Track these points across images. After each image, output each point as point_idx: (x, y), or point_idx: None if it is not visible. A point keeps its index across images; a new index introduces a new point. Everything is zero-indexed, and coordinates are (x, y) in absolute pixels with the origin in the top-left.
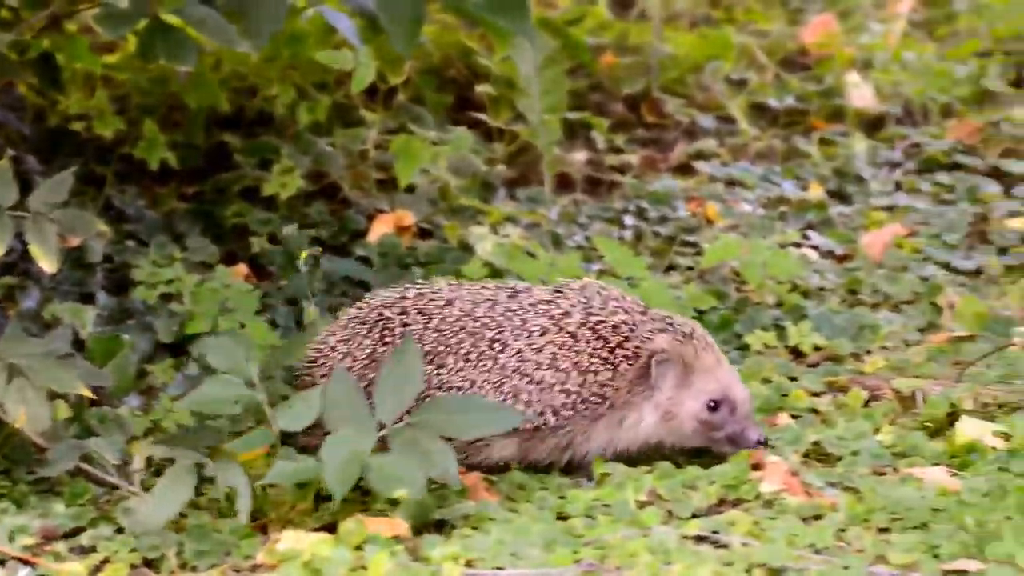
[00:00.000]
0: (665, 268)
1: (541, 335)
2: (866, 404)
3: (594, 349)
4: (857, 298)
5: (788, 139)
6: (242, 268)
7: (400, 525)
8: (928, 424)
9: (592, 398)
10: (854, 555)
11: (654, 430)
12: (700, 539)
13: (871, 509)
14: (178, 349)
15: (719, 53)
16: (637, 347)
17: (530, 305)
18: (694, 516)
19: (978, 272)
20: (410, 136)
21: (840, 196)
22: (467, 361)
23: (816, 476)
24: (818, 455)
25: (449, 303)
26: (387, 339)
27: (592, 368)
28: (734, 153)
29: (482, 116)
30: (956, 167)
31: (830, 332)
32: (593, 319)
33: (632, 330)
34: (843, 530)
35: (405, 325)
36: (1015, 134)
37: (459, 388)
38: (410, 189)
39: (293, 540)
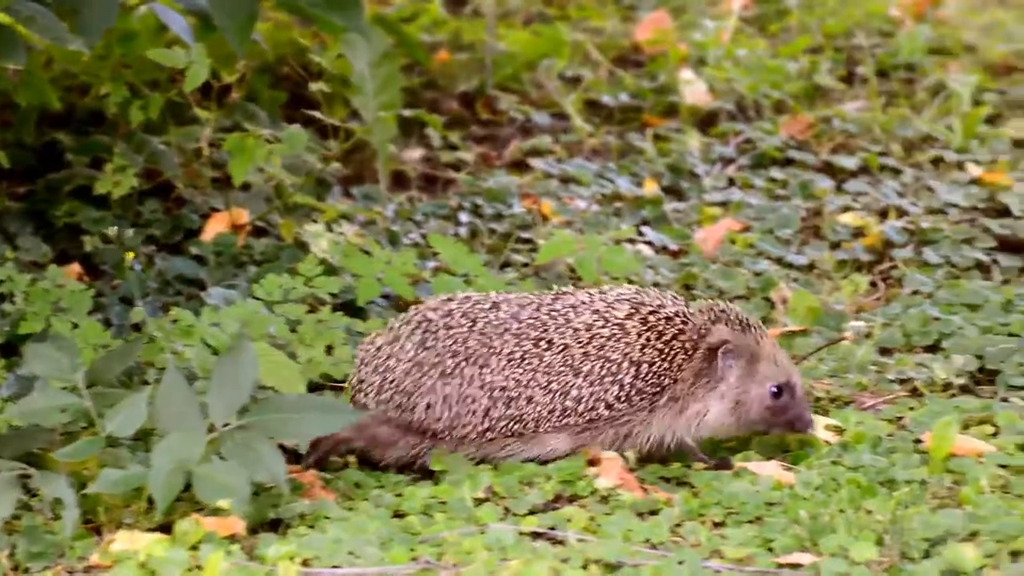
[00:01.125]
0: (500, 265)
1: (587, 329)
2: None
3: (647, 340)
4: (692, 293)
5: (622, 136)
6: (75, 268)
7: (236, 524)
8: None
9: (647, 389)
10: (689, 549)
11: (722, 419)
12: (537, 535)
13: (706, 504)
14: (10, 349)
15: (553, 50)
16: (696, 340)
17: (572, 305)
18: (531, 512)
19: (811, 267)
20: (244, 134)
21: (674, 192)
22: (511, 361)
23: (652, 472)
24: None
25: (495, 306)
26: (428, 343)
27: (645, 359)
28: (569, 150)
29: (316, 114)
30: (789, 163)
31: None
32: (644, 310)
33: (685, 322)
34: (678, 525)
35: (448, 328)
36: (846, 130)
37: (503, 388)
38: (245, 187)
39: (128, 541)
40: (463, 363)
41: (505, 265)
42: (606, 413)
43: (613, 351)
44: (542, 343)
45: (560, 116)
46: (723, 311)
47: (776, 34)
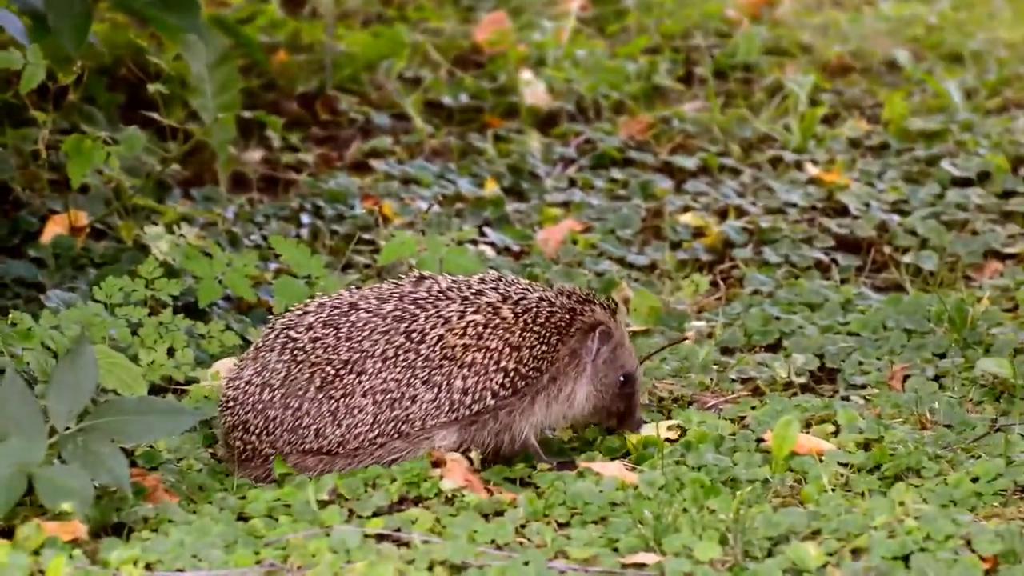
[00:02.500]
0: (343, 266)
1: (460, 318)
2: None
3: (524, 323)
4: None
5: (463, 136)
6: None
7: (78, 528)
8: None
9: (530, 374)
10: (535, 550)
11: (584, 403)
12: (382, 537)
13: (551, 504)
14: None
15: (392, 51)
16: (570, 320)
17: (439, 292)
18: (376, 514)
19: (652, 267)
20: (82, 136)
21: (515, 193)
22: (386, 361)
23: (496, 473)
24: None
25: (353, 306)
26: (299, 358)
27: (526, 343)
28: (410, 151)
29: (155, 115)
30: (629, 163)
31: None
32: (513, 295)
33: (553, 303)
34: (524, 526)
35: (315, 340)
36: (685, 130)
37: (384, 391)
38: (83, 189)
39: None
40: (340, 373)
41: (347, 266)
42: (492, 402)
43: (492, 339)
44: (414, 335)
45: (400, 117)
46: (590, 294)
47: (614, 35)
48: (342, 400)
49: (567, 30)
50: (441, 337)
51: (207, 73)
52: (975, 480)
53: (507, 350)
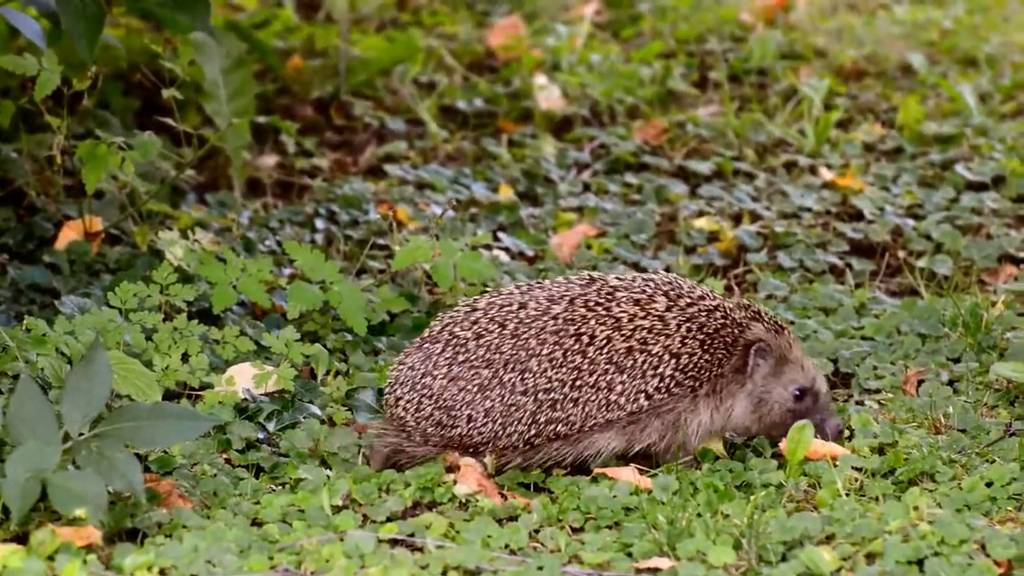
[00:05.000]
0: (357, 271)
1: (629, 320)
2: None
3: (688, 331)
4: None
5: (477, 141)
6: None
7: (92, 534)
8: None
9: (687, 381)
10: (548, 555)
11: (745, 417)
12: (396, 542)
13: (565, 509)
14: None
15: (407, 56)
16: (735, 337)
17: (609, 293)
18: (390, 519)
19: (667, 271)
20: (97, 141)
21: (530, 197)
22: (552, 361)
23: (510, 477)
24: None
25: (523, 306)
26: (460, 357)
27: (686, 351)
28: (424, 156)
29: (170, 121)
30: (643, 168)
31: None
32: (682, 303)
33: (726, 316)
34: (537, 530)
35: (479, 337)
36: (700, 135)
37: (547, 391)
38: (98, 195)
39: None
40: (501, 371)
41: (361, 272)
42: (646, 404)
43: (655, 344)
44: (583, 338)
45: (415, 122)
46: (758, 311)
47: (629, 39)
48: (500, 399)
49: (581, 35)
50: (609, 339)
51: (222, 78)
52: (989, 485)
53: (667, 356)
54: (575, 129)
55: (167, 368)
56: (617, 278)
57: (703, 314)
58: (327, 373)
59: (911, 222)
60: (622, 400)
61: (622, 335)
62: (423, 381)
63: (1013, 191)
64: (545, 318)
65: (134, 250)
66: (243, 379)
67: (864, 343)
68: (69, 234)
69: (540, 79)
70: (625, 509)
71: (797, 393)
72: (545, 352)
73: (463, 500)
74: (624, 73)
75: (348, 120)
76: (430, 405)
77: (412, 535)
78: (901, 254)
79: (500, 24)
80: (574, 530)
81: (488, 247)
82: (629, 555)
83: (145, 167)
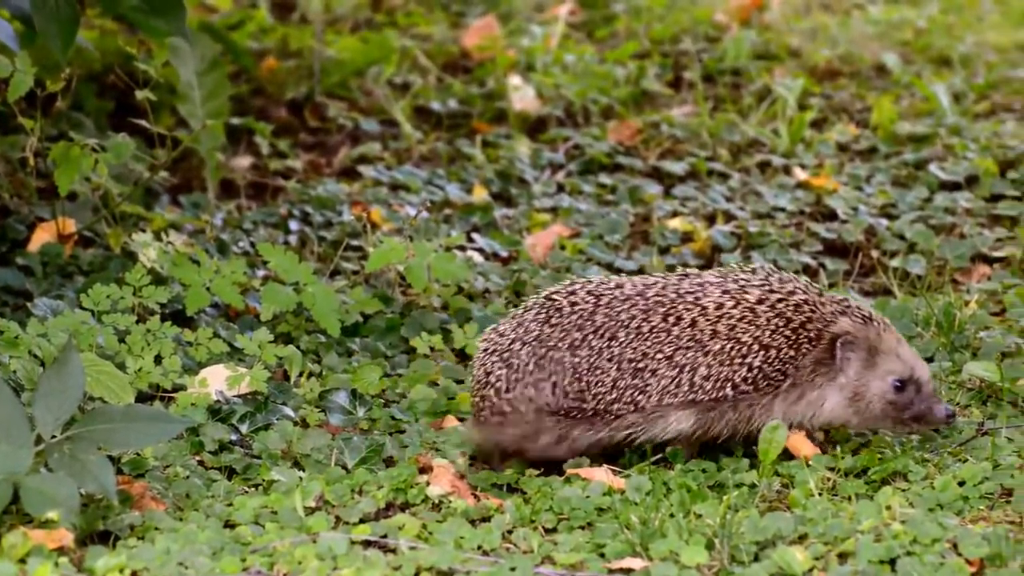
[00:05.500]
0: (330, 273)
1: (717, 308)
2: None
3: (776, 326)
4: (522, 299)
5: (452, 142)
6: None
7: (64, 537)
8: None
9: (774, 374)
10: (521, 556)
11: (840, 412)
12: (369, 544)
13: (537, 510)
14: None
15: (381, 57)
16: (820, 329)
17: (702, 284)
18: (362, 521)
19: (640, 272)
20: (70, 143)
21: (504, 198)
22: (639, 333)
23: (483, 478)
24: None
25: (619, 286)
26: (553, 320)
27: (775, 344)
28: (398, 157)
29: (143, 123)
30: (617, 168)
31: None
32: (773, 296)
33: (813, 311)
34: (510, 531)
35: (573, 305)
36: (674, 135)
37: (631, 360)
38: (71, 197)
39: None
40: (590, 336)
41: (335, 273)
42: (731, 394)
43: (744, 332)
44: (670, 318)
45: (389, 123)
46: (847, 303)
47: (603, 40)
48: (587, 359)
49: (556, 35)
50: (694, 321)
51: (195, 80)
52: (962, 484)
53: (756, 347)
54: (549, 130)
55: (140, 370)
56: (711, 273)
57: (791, 308)
58: (300, 375)
59: (885, 222)
60: (707, 385)
61: (708, 320)
62: (511, 348)
63: (986, 191)
64: (637, 297)
65: (107, 252)
66: (216, 381)
67: None
68: (42, 236)
69: (514, 80)
70: (598, 509)
71: (897, 384)
72: (634, 325)
73: (436, 501)
74: (598, 73)
75: (322, 121)
76: (517, 383)
77: (385, 536)
78: (875, 254)
79: (475, 25)
80: (547, 531)
81: (462, 248)
82: (602, 555)
83: (119, 169)
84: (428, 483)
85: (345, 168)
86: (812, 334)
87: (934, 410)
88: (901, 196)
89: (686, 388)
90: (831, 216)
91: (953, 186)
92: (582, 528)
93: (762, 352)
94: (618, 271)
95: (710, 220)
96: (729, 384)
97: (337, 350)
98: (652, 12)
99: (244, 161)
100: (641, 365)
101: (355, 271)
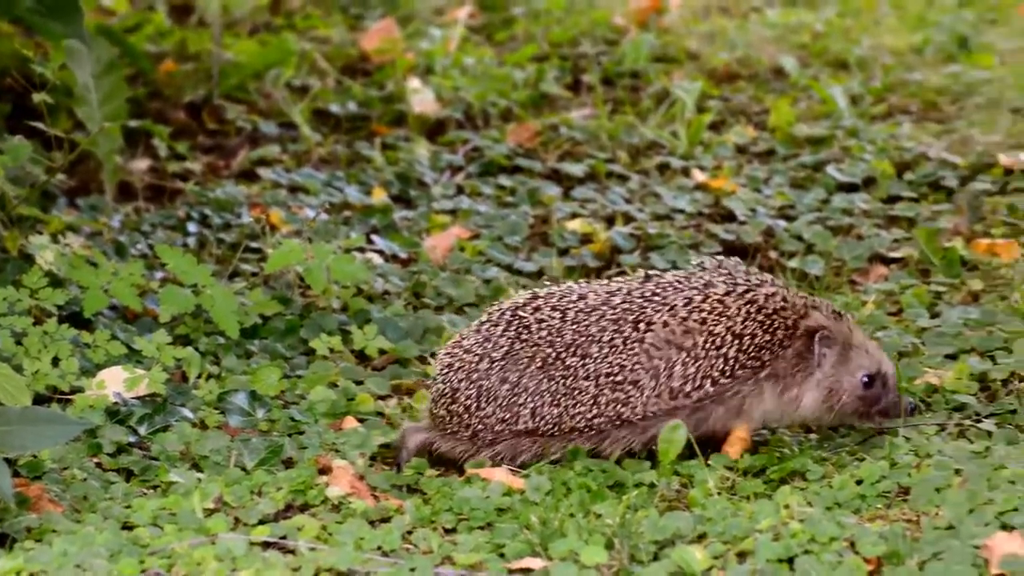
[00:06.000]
0: (229, 275)
1: (685, 305)
2: None
3: (747, 313)
4: (422, 301)
5: (351, 145)
6: None
7: None
8: None
9: (750, 363)
10: (421, 556)
11: (815, 408)
12: (268, 545)
13: (437, 511)
14: None
15: (280, 60)
16: (795, 319)
17: (667, 284)
18: (262, 522)
19: (540, 273)
20: None
21: (403, 200)
22: (613, 347)
23: (383, 479)
24: (385, 458)
25: (582, 296)
26: (523, 336)
27: (747, 331)
28: (297, 159)
29: (40, 125)
30: (517, 170)
31: (395, 336)
32: (740, 288)
33: (785, 300)
34: (410, 532)
35: (540, 322)
36: (573, 137)
37: (608, 375)
38: None
39: None
40: (563, 353)
41: (234, 275)
42: (712, 389)
43: (716, 324)
44: (641, 325)
45: (288, 125)
46: (814, 299)
47: (503, 43)
48: (563, 381)
49: (455, 38)
50: (666, 323)
51: (93, 83)
52: (859, 483)
53: (728, 336)
54: (448, 132)
55: (37, 372)
56: (672, 274)
57: (761, 297)
58: (199, 376)
59: (783, 223)
60: (687, 387)
61: (678, 319)
62: (479, 368)
63: (883, 192)
64: (604, 307)
65: (4, 255)
66: (114, 383)
67: None
68: None
69: (414, 82)
70: (498, 510)
71: (866, 380)
72: (606, 338)
73: (336, 502)
74: (497, 76)
75: (221, 124)
76: (491, 403)
77: (284, 537)
78: (773, 255)
79: (374, 28)
80: (447, 531)
81: (361, 250)
82: (502, 556)
83: (15, 171)
84: (327, 484)
85: (244, 170)
86: (789, 322)
87: (898, 404)
88: (799, 197)
89: (667, 394)
90: (730, 218)
91: (850, 187)
92: (482, 528)
93: (736, 341)
94: (518, 273)
95: (609, 222)
96: (708, 380)
97: (236, 352)
98: (551, 15)
99: (142, 164)
100: (620, 378)
101: (254, 273)
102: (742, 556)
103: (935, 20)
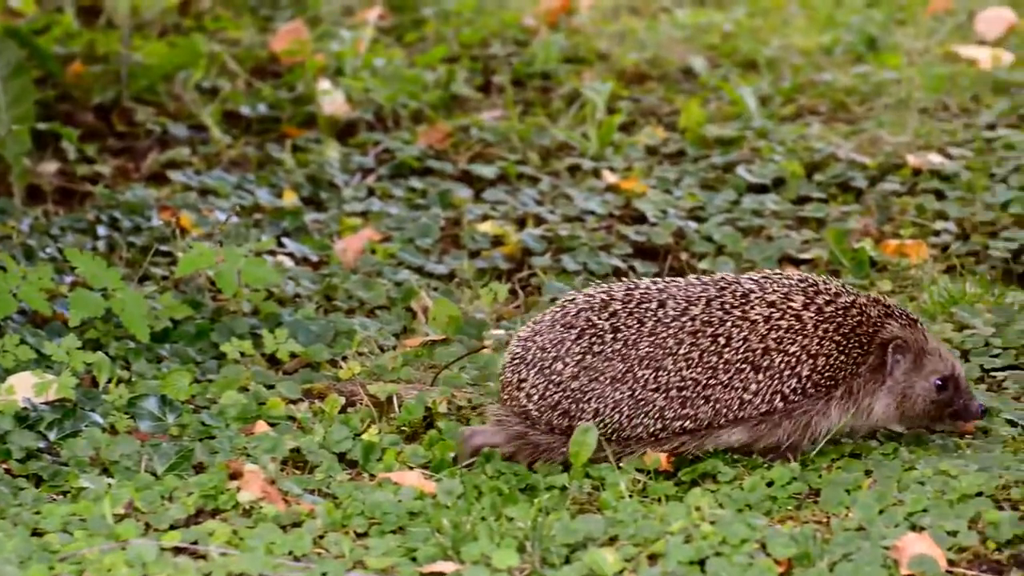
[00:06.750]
0: (140, 278)
1: (765, 321)
2: (343, 410)
3: (825, 332)
4: (333, 304)
5: (261, 147)
6: None
7: None
8: (405, 428)
9: (823, 382)
10: (333, 561)
11: (887, 414)
12: (179, 550)
13: (349, 515)
14: None
15: (189, 61)
16: (871, 334)
17: (743, 295)
18: (172, 527)
19: (451, 276)
20: None
21: (314, 203)
22: (688, 361)
23: (295, 483)
24: (296, 462)
25: (662, 304)
26: (596, 348)
27: (824, 351)
28: (207, 162)
29: None
30: (428, 172)
31: (306, 339)
32: (818, 301)
33: (862, 313)
34: (322, 536)
35: (616, 331)
36: (484, 139)
37: (679, 389)
38: None
39: None
40: (635, 366)
41: (144, 278)
42: (781, 405)
43: (791, 344)
44: (720, 339)
45: (198, 128)
46: (889, 306)
47: (413, 44)
48: (631, 393)
49: (365, 40)
50: (745, 340)
51: (1, 85)
52: (770, 484)
53: (804, 356)
54: (359, 134)
55: None
56: (750, 279)
57: (840, 313)
58: (109, 381)
59: (693, 224)
60: (756, 400)
61: (758, 336)
62: (553, 366)
63: (793, 193)
64: (684, 319)
65: None
66: (23, 388)
67: None
68: None
69: (324, 84)
70: (410, 513)
71: (939, 383)
72: (682, 352)
73: (247, 507)
74: (408, 78)
75: (130, 126)
76: (558, 393)
77: (195, 543)
78: (684, 256)
79: (284, 29)
80: (358, 535)
81: (272, 253)
82: (413, 560)
83: None
84: (239, 489)
85: (154, 173)
86: (864, 339)
87: (970, 407)
88: (709, 199)
89: (736, 407)
90: (640, 219)
91: (760, 188)
92: (394, 532)
93: (811, 361)
94: (429, 275)
95: (520, 224)
96: (779, 396)
97: (146, 356)
98: (461, 16)
99: (51, 166)
100: (691, 393)
101: (164, 276)
102: (653, 558)
103: (844, 21)
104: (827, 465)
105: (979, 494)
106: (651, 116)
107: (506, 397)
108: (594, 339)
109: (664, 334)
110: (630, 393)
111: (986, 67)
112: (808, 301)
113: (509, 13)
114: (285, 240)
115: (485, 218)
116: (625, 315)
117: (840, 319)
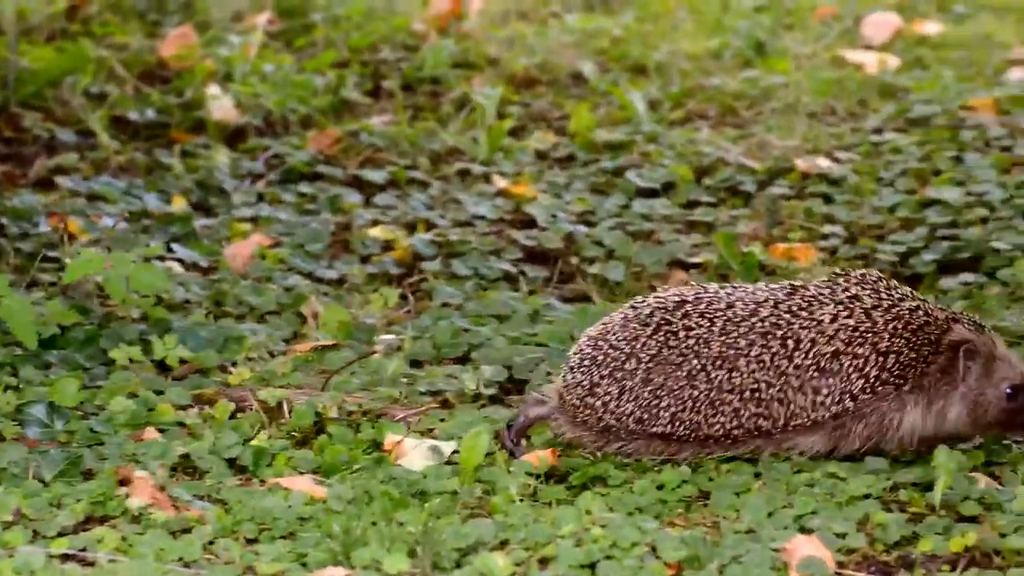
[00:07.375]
0: (27, 284)
1: (832, 321)
2: (233, 416)
3: (894, 330)
4: (222, 310)
5: (150, 152)
6: None
7: None
8: (295, 433)
9: (893, 380)
10: (223, 567)
11: (960, 421)
12: (67, 557)
13: (239, 520)
14: None
15: (77, 67)
16: (939, 335)
17: (812, 298)
18: (61, 534)
19: (341, 281)
20: None
21: (203, 208)
22: (760, 363)
23: (184, 489)
24: (186, 468)
25: (731, 305)
26: (671, 343)
27: (893, 349)
28: (96, 167)
29: None
30: (317, 177)
31: (196, 345)
32: (885, 303)
33: (928, 315)
34: (212, 542)
35: (688, 329)
36: (374, 143)
37: (753, 391)
38: None
39: None
40: (708, 366)
41: (32, 284)
42: (851, 405)
43: (861, 344)
44: (789, 342)
45: (86, 133)
46: (955, 312)
47: (302, 49)
48: (707, 391)
49: (254, 45)
50: (813, 342)
51: None
52: (660, 488)
53: (873, 356)
54: (248, 139)
55: None
56: (816, 285)
57: (906, 312)
58: None
59: (583, 228)
60: (827, 402)
61: (826, 338)
62: (625, 369)
63: (682, 197)
64: (753, 319)
65: None
66: None
67: (538, 349)
68: None
69: (213, 89)
70: (300, 519)
71: (1010, 391)
72: (753, 354)
73: (136, 513)
74: (297, 83)
75: (17, 132)
76: (630, 402)
77: (84, 550)
78: (574, 260)
79: (172, 34)
80: (249, 541)
81: (161, 258)
82: (304, 565)
83: None
84: (128, 495)
85: (41, 179)
86: (932, 337)
87: None
88: (599, 203)
89: (809, 408)
90: (531, 223)
91: (650, 193)
92: (284, 538)
93: (880, 359)
94: (319, 280)
95: (411, 228)
96: (848, 396)
97: (34, 362)
98: (351, 21)
99: None
100: (765, 395)
101: (52, 282)
102: (544, 562)
103: (732, 25)
104: (716, 468)
105: (867, 496)
106: (541, 121)
107: (578, 403)
108: (668, 335)
109: (734, 334)
110: (706, 392)
111: (873, 71)
112: (875, 303)
113: (399, 18)
114: (174, 246)
115: (375, 223)
116: (696, 316)
117: (907, 318)
